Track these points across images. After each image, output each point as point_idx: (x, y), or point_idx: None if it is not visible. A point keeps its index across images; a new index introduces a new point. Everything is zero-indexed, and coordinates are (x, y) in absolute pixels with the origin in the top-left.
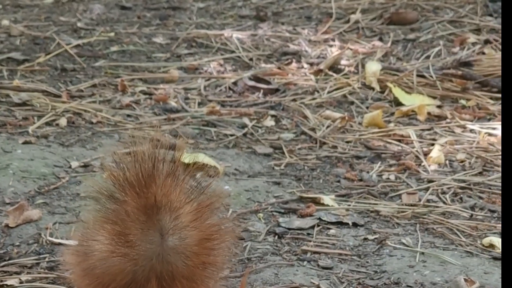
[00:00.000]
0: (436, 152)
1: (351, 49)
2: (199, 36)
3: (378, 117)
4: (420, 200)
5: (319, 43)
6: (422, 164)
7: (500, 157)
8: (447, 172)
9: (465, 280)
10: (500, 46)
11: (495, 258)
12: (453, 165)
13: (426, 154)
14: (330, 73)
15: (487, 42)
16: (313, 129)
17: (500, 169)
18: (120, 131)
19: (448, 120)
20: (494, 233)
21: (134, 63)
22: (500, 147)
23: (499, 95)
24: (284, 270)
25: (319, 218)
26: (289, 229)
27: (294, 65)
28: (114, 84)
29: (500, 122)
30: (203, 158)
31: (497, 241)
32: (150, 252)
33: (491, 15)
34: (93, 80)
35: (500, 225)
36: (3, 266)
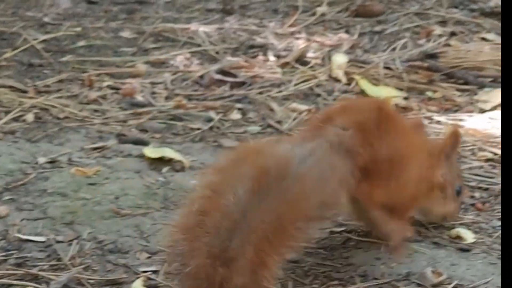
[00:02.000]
0: None
1: (317, 42)
2: (166, 30)
3: None
4: None
5: (285, 36)
6: None
7: (467, 148)
8: None
9: (432, 272)
10: (466, 38)
11: (462, 250)
12: None
13: None
14: (297, 65)
15: (453, 34)
16: (279, 122)
17: (466, 160)
18: (87, 126)
19: (414, 112)
20: (462, 224)
21: (101, 57)
22: (467, 139)
23: (466, 87)
24: None
25: None
26: None
27: (260, 58)
28: (81, 79)
29: (470, 114)
30: (169, 152)
31: (464, 232)
32: None
33: (456, 7)
34: (60, 75)
35: (467, 216)
36: None
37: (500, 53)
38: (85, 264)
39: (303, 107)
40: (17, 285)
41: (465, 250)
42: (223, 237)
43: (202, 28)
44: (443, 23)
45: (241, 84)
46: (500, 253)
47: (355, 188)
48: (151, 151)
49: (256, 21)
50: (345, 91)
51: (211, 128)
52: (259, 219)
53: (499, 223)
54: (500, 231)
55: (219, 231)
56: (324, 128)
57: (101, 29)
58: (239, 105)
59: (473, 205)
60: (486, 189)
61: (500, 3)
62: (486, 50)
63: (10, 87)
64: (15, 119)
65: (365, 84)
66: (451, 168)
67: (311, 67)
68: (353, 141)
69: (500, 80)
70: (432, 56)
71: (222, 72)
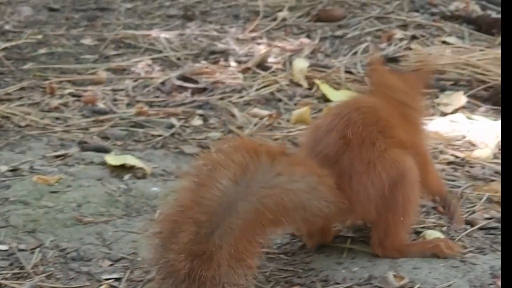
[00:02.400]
0: None
1: (278, 47)
2: (127, 37)
3: (306, 114)
4: None
5: (246, 41)
6: None
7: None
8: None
9: (394, 276)
10: (427, 42)
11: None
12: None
13: None
14: (258, 71)
15: (414, 37)
16: (240, 127)
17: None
18: (49, 134)
19: None
20: (423, 227)
21: (63, 65)
22: (429, 142)
23: (427, 90)
24: None
25: None
26: None
27: (222, 63)
28: (43, 86)
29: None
30: (130, 159)
31: (427, 234)
32: None
33: (417, 11)
34: (21, 83)
35: (429, 219)
36: None
37: (460, 57)
38: (48, 272)
39: (264, 112)
40: None
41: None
42: (204, 230)
43: (163, 35)
44: (404, 27)
45: (202, 90)
46: (462, 256)
47: None
48: (112, 159)
49: (217, 27)
50: (307, 96)
51: (172, 134)
52: (240, 214)
53: (461, 225)
54: (462, 234)
55: (200, 224)
56: None
57: (63, 37)
58: (200, 111)
59: (434, 208)
60: (449, 191)
61: (460, 6)
62: (447, 53)
63: None
64: None
65: (326, 89)
66: None
67: (272, 72)
68: None
69: (460, 83)
70: (393, 59)
71: (184, 78)
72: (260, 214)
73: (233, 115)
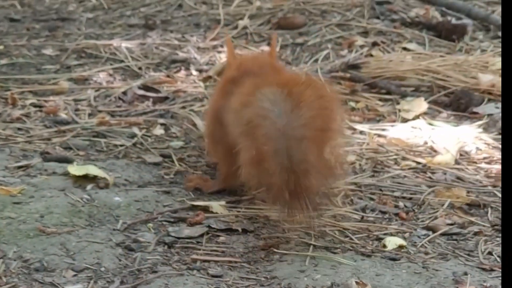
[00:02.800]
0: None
1: (240, 55)
2: (88, 47)
3: None
4: None
5: (208, 49)
6: None
7: (390, 158)
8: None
9: (356, 282)
10: (387, 48)
11: (386, 259)
12: (343, 167)
13: None
14: (219, 79)
15: (374, 44)
16: (202, 137)
17: (389, 170)
18: (11, 145)
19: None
20: (385, 234)
21: (24, 75)
22: (389, 148)
23: (388, 97)
24: (174, 280)
25: (209, 226)
26: (179, 238)
27: (183, 72)
28: (4, 97)
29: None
30: (93, 170)
31: (388, 241)
32: None
33: (378, 18)
34: None
35: (391, 226)
36: None
37: (421, 63)
38: (12, 283)
39: None
40: None
41: (390, 259)
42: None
43: (125, 44)
44: (364, 33)
45: (163, 99)
46: (424, 262)
47: None
48: (75, 169)
49: (178, 36)
50: None
51: (134, 144)
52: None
53: (423, 232)
54: (424, 240)
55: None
56: None
57: (24, 47)
58: (162, 120)
59: (396, 214)
60: (410, 198)
61: (420, 13)
62: (407, 59)
63: None
64: None
65: None
66: None
67: None
68: None
69: (421, 89)
70: (354, 66)
71: (145, 87)
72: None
73: (194, 124)
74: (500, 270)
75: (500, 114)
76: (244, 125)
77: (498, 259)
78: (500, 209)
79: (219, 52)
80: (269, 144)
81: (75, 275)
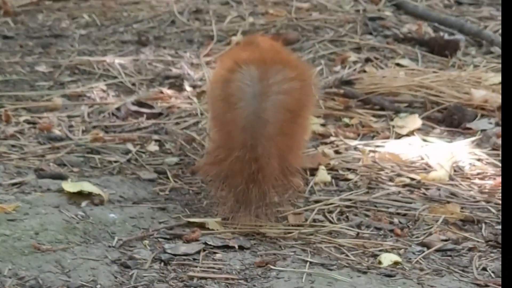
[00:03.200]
0: (321, 172)
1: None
2: (82, 63)
3: None
4: (306, 220)
5: (201, 65)
6: (308, 183)
7: (385, 174)
8: (333, 191)
9: None
10: (381, 64)
11: (382, 276)
12: (339, 184)
13: (312, 173)
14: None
15: (367, 60)
16: (197, 152)
17: (384, 186)
18: (5, 162)
19: (332, 139)
20: (381, 250)
21: (18, 92)
22: (384, 164)
23: (382, 113)
24: None
25: (205, 243)
26: (175, 255)
27: (176, 88)
28: None
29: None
30: (87, 186)
31: (384, 257)
32: None
33: (371, 34)
34: None
35: (386, 242)
36: None
37: (414, 79)
38: None
39: None
40: None
41: (386, 275)
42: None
43: (118, 60)
44: (357, 49)
45: (157, 115)
46: (419, 278)
47: None
48: (69, 186)
49: (171, 52)
50: None
51: (129, 160)
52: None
53: (418, 248)
54: (419, 257)
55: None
56: None
57: (17, 64)
58: (156, 137)
59: (391, 231)
60: (405, 214)
61: (413, 29)
62: (401, 75)
63: None
64: None
65: None
66: None
67: None
68: None
69: (415, 105)
70: (347, 82)
71: (139, 103)
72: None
73: (189, 140)
74: (495, 286)
75: (494, 130)
76: (220, 100)
77: (493, 275)
78: (495, 224)
79: (213, 68)
80: (238, 121)
81: None
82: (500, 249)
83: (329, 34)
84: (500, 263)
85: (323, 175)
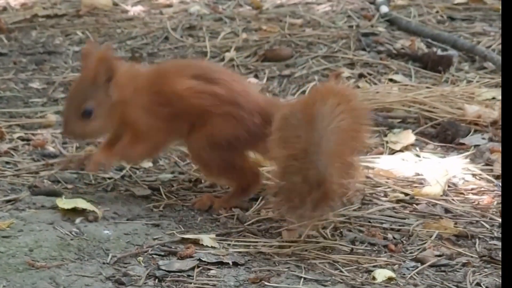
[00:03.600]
0: None
1: None
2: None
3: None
4: (300, 236)
5: None
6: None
7: (379, 189)
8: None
9: None
10: (374, 80)
11: None
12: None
13: None
14: None
15: (361, 76)
16: (190, 169)
17: (378, 202)
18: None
19: None
20: (375, 266)
21: (11, 109)
22: (378, 180)
23: (375, 128)
24: None
25: (199, 259)
26: (169, 271)
27: None
28: None
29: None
30: (81, 203)
31: (378, 273)
32: None
33: (364, 49)
34: None
35: (381, 258)
36: None
37: (408, 94)
38: None
39: None
40: None
41: None
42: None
43: None
44: (351, 65)
45: None
46: None
47: None
48: (64, 202)
49: None
50: None
51: (123, 177)
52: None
53: (412, 263)
54: (413, 272)
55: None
56: None
57: (11, 81)
58: None
59: (386, 246)
60: (399, 230)
61: (406, 44)
62: (394, 91)
63: None
64: None
65: None
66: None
67: None
68: None
69: (408, 120)
70: None
71: None
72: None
73: (182, 156)
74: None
75: (487, 145)
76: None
77: None
78: (489, 239)
79: None
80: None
81: None
82: (494, 264)
83: (322, 50)
84: (494, 278)
85: None
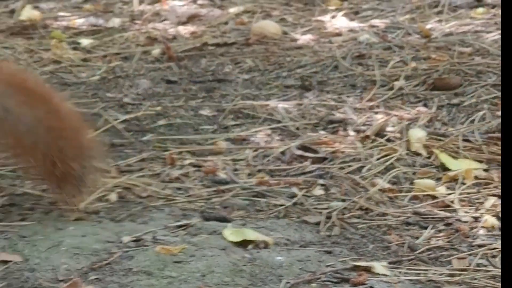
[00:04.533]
0: (488, 217)
1: (396, 116)
2: (245, 107)
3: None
4: (470, 264)
5: (364, 110)
6: (472, 228)
7: None
8: (497, 235)
9: None
10: None
11: None
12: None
13: (475, 218)
14: (377, 140)
15: None
16: (361, 197)
17: None
18: (171, 205)
19: (495, 184)
20: None
21: (182, 136)
22: None
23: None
24: None
25: (371, 287)
26: None
27: (340, 133)
28: (163, 157)
29: None
30: (250, 234)
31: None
32: None
33: None
34: (141, 155)
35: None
36: None
37: None
38: None
39: (385, 184)
40: None
41: None
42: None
43: (281, 105)
44: None
45: (322, 160)
46: None
47: None
48: (231, 233)
49: (335, 97)
50: (425, 165)
51: (294, 204)
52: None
53: None
54: None
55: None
56: None
57: (181, 108)
58: (321, 181)
59: None
60: None
61: None
62: None
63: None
64: (99, 199)
65: (444, 158)
66: None
67: (391, 141)
68: None
69: None
70: None
71: (303, 148)
72: None
73: (354, 185)
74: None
75: None
76: None
77: None
78: None
79: (376, 112)
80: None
81: None
82: None
83: (491, 78)
84: None
85: (490, 220)
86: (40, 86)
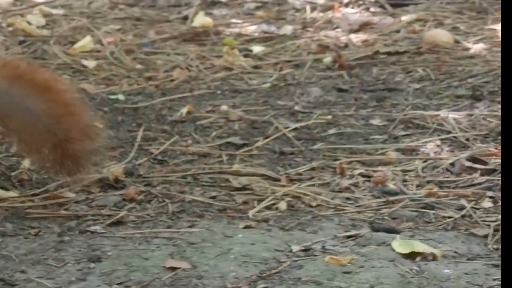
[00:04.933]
0: None
1: None
2: (416, 117)
3: None
4: None
5: None
6: None
7: None
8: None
9: None
10: None
11: None
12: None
13: None
14: None
15: None
16: None
17: None
18: (340, 214)
19: None
20: None
21: (352, 145)
22: None
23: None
24: None
25: None
26: None
27: None
28: (332, 167)
29: None
30: (418, 246)
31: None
32: None
33: None
34: (311, 163)
35: None
36: None
37: None
38: None
39: None
40: None
41: None
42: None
43: (452, 115)
44: None
45: (491, 172)
46: None
47: None
48: (399, 244)
49: None
50: None
51: (463, 216)
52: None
53: None
54: None
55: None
56: None
57: (351, 117)
58: (490, 193)
59: None
60: None
61: None
62: None
63: (262, 175)
64: (268, 207)
65: None
66: None
67: None
68: None
69: None
70: None
71: (473, 159)
72: None
73: None
74: None
75: None
76: None
77: None
78: None
79: None
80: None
81: None
82: None
83: None
84: None
85: None
86: (41, 75)
